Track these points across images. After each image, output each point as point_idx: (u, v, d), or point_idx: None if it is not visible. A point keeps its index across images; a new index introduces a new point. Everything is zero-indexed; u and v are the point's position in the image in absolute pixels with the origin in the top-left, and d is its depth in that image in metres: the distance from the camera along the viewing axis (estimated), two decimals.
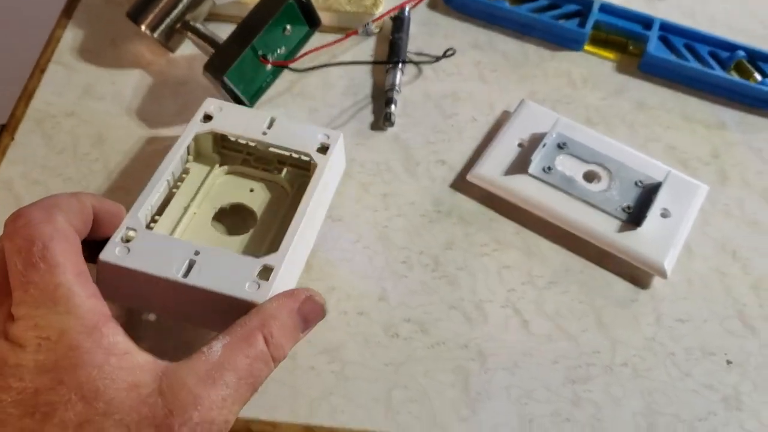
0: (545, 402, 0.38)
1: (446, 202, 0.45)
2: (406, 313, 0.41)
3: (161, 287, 0.34)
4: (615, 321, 0.41)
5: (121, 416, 0.28)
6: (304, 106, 0.49)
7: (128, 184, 0.44)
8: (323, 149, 0.41)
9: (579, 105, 0.51)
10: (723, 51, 0.53)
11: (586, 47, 0.54)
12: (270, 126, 0.41)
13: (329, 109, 0.49)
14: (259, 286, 0.34)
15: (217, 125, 0.41)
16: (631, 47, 0.54)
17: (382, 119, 0.48)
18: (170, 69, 0.50)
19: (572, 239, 0.44)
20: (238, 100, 0.46)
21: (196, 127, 0.41)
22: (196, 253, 0.35)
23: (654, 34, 0.53)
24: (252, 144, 0.42)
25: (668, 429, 0.38)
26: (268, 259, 0.35)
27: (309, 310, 0.34)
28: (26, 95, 0.48)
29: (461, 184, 0.46)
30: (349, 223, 0.44)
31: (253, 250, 0.39)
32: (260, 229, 0.40)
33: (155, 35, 0.48)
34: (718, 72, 0.52)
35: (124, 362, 0.29)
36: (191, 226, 0.40)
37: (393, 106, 0.48)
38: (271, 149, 0.42)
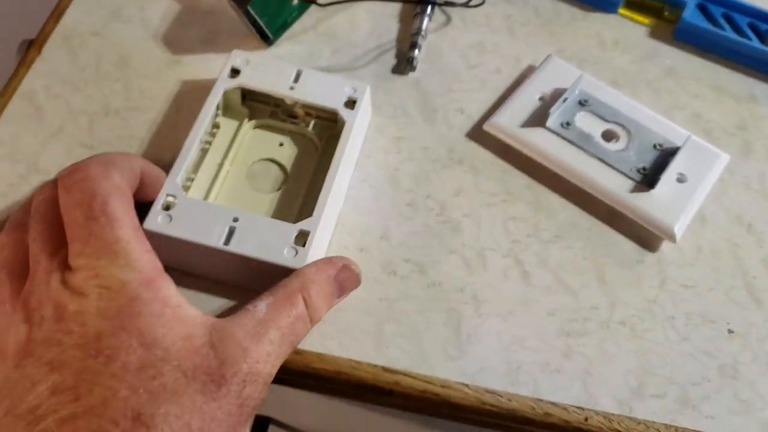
0: (536, 351, 0.38)
1: (460, 150, 0.45)
2: (406, 253, 0.41)
3: (202, 253, 0.36)
4: (618, 280, 0.41)
5: (178, 362, 0.29)
6: (328, 45, 0.49)
7: (145, 105, 0.45)
8: (350, 103, 0.41)
9: (606, 66, 0.50)
10: (763, 23, 0.51)
11: (621, 10, 0.53)
12: (297, 79, 0.42)
13: (352, 50, 0.49)
14: (296, 252, 0.35)
15: (245, 80, 0.42)
16: (666, 13, 0.52)
17: (404, 63, 0.48)
18: None
19: (583, 196, 0.43)
20: (261, 32, 0.46)
21: (224, 83, 0.41)
22: (235, 219, 0.36)
23: (692, 1, 0.51)
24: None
25: (658, 389, 0.37)
26: (304, 225, 0.36)
27: (345, 278, 0.36)
28: (57, 12, 0.48)
29: (477, 134, 0.46)
30: (358, 162, 0.44)
31: (287, 207, 0.40)
32: (291, 186, 0.41)
33: None
34: (756, 44, 0.50)
35: (178, 313, 0.31)
36: (226, 185, 0.41)
37: (416, 51, 0.47)
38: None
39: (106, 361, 0.29)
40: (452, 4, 0.51)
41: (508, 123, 0.45)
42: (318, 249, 0.37)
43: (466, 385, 0.37)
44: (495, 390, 0.37)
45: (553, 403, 0.37)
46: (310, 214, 0.37)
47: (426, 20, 0.49)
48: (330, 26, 0.50)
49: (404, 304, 0.39)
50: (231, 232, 0.36)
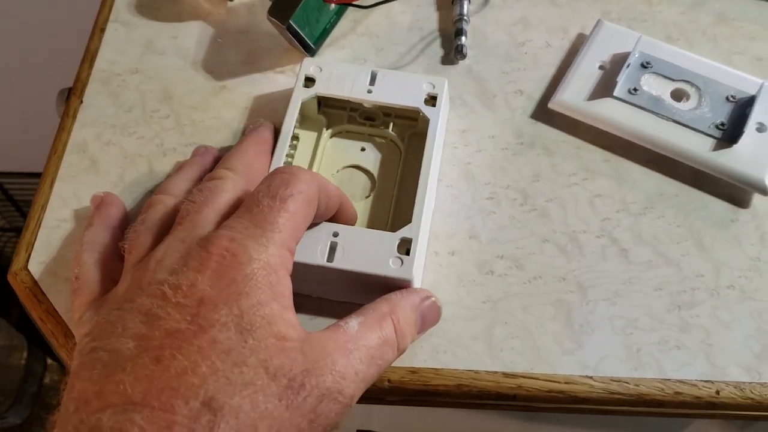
0: (650, 330, 0.37)
1: (528, 133, 0.44)
2: (498, 250, 0.40)
3: (306, 272, 0.35)
4: (716, 243, 0.40)
5: (265, 357, 0.28)
6: (371, 46, 0.47)
7: (204, 138, 0.43)
8: (431, 100, 0.40)
9: (656, 22, 0.48)
10: None
11: None
12: (372, 81, 0.41)
13: (396, 47, 0.47)
14: (402, 262, 0.35)
15: (321, 88, 0.41)
16: None
17: (453, 52, 0.46)
18: (230, 18, 0.48)
19: (664, 162, 0.42)
20: (304, 44, 0.45)
21: (300, 93, 0.40)
22: (335, 234, 0.35)
23: None
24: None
25: None
26: (404, 232, 0.36)
27: (428, 311, 0.35)
28: (89, 56, 0.47)
29: (542, 113, 0.44)
30: None
31: (380, 214, 0.39)
32: (380, 191, 0.40)
33: None
34: None
35: (282, 312, 0.30)
36: None
37: (464, 38, 0.46)
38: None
39: (197, 331, 0.28)
40: None
41: (573, 98, 0.43)
42: (420, 255, 0.36)
43: (591, 378, 0.36)
44: (620, 378, 0.36)
45: (681, 381, 0.36)
46: (403, 219, 0.36)
47: (466, 4, 0.47)
48: (368, 26, 0.48)
49: (508, 303, 0.38)
50: (333, 248, 0.35)
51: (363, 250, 0.35)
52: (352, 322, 0.32)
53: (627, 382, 0.36)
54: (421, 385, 0.36)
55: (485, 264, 0.39)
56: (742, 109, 0.42)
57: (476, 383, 0.36)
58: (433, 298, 0.36)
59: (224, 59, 0.47)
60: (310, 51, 0.46)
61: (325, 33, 0.47)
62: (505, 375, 0.36)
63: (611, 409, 0.36)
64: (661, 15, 0.48)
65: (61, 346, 0.37)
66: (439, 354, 0.36)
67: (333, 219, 0.36)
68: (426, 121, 0.39)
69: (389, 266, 0.35)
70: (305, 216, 0.32)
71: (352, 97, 0.40)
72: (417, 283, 0.36)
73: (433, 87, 0.41)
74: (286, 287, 0.31)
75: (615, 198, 0.41)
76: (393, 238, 0.35)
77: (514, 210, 0.41)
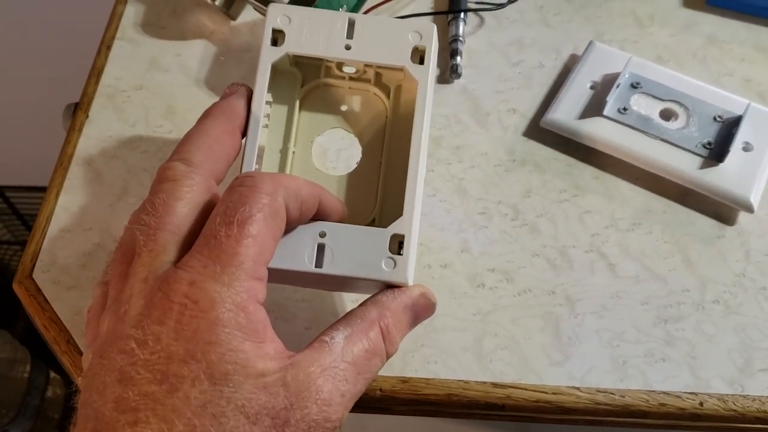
0: (637, 343, 0.38)
1: (520, 150, 0.45)
2: (490, 263, 0.41)
3: (295, 276, 0.34)
4: (702, 258, 0.41)
5: (242, 403, 0.27)
6: None
7: None
8: (419, 58, 0.36)
9: (647, 43, 0.49)
10: None
11: None
12: (351, 34, 0.36)
13: None
14: (395, 263, 0.33)
15: (292, 45, 0.36)
16: None
17: (448, 71, 0.47)
18: (233, 37, 0.50)
19: (653, 179, 0.43)
20: None
21: (269, 54, 0.36)
22: (322, 234, 0.33)
23: None
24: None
25: (766, 363, 0.37)
26: (396, 228, 0.33)
27: (421, 308, 0.34)
28: (95, 72, 0.48)
29: (534, 131, 0.45)
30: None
31: (367, 185, 0.37)
32: (367, 159, 0.37)
33: (216, 3, 0.48)
34: None
35: (257, 350, 0.28)
36: (295, 172, 0.37)
37: (459, 58, 0.47)
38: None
39: (169, 389, 0.27)
40: (485, 9, 0.50)
41: (564, 116, 0.44)
42: (413, 252, 0.34)
43: (578, 389, 0.37)
44: (606, 389, 0.37)
45: (665, 393, 0.37)
46: (394, 193, 0.34)
47: (462, 25, 0.49)
48: None
49: (498, 315, 0.39)
50: (321, 250, 0.33)
51: (353, 250, 0.33)
52: (338, 338, 0.31)
53: (613, 393, 0.37)
54: (411, 394, 0.37)
55: (476, 277, 0.40)
56: (729, 128, 0.43)
57: (466, 393, 0.37)
58: (426, 294, 0.34)
59: (226, 76, 0.48)
60: None
61: None
62: (494, 385, 0.37)
63: (597, 419, 0.37)
64: (653, 37, 0.50)
65: (64, 353, 0.38)
66: (430, 364, 0.37)
67: (317, 217, 0.33)
68: (414, 81, 0.35)
69: (382, 269, 0.33)
70: (272, 233, 0.30)
71: (328, 56, 0.36)
72: (411, 281, 0.34)
73: (421, 38, 0.36)
74: (259, 320, 0.29)
75: (604, 214, 0.42)
76: (384, 235, 0.33)
77: (506, 225, 0.42)
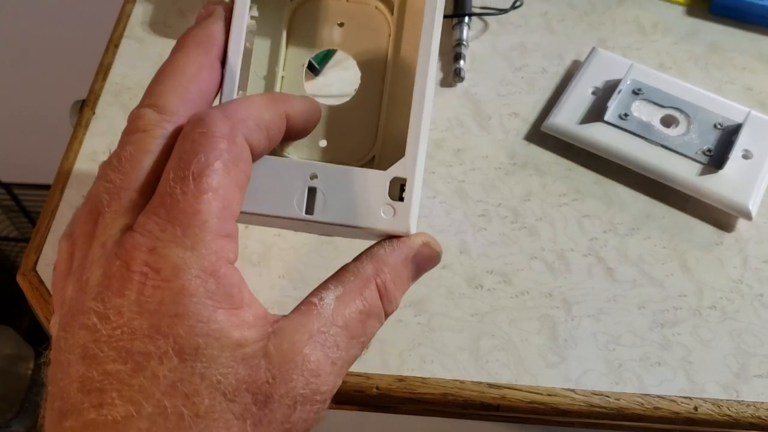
0: (633, 346, 0.38)
1: (521, 154, 0.45)
2: (488, 265, 0.41)
3: (283, 222, 0.30)
4: (700, 264, 0.41)
5: (218, 379, 0.24)
6: None
7: None
8: None
9: (650, 50, 0.50)
10: None
11: None
12: None
13: None
14: (395, 211, 0.29)
15: None
16: None
17: (451, 75, 0.48)
18: None
19: (652, 185, 0.43)
20: (311, 68, 0.47)
21: None
22: (313, 176, 0.29)
23: None
24: None
25: (761, 369, 0.38)
26: (397, 170, 0.29)
27: (424, 258, 0.30)
28: (103, 70, 0.49)
29: (536, 135, 0.46)
30: (424, 180, 0.44)
31: (367, 117, 0.32)
32: (366, 86, 0.32)
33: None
34: None
35: (233, 318, 0.25)
36: None
37: (462, 62, 0.48)
38: None
39: (134, 368, 0.24)
40: (489, 13, 0.51)
41: (565, 121, 0.45)
42: (416, 197, 0.29)
43: (573, 391, 0.37)
44: (601, 391, 0.37)
45: (660, 397, 0.37)
46: (397, 128, 0.30)
47: (465, 29, 0.49)
48: None
49: (495, 317, 0.39)
50: (312, 194, 0.29)
51: (348, 195, 0.29)
52: (328, 298, 0.27)
53: (608, 396, 0.37)
54: (407, 393, 0.37)
55: (475, 278, 0.40)
56: (729, 136, 0.43)
57: (461, 393, 0.37)
58: (430, 243, 0.30)
59: None
60: (314, 71, 0.48)
61: (328, 56, 0.48)
62: (490, 385, 0.37)
63: (592, 422, 0.37)
64: (655, 44, 0.50)
65: None
66: (427, 363, 0.38)
67: (291, 136, 0.29)
68: None
69: (380, 217, 0.29)
70: (236, 180, 0.26)
71: None
72: (413, 231, 0.29)
73: None
74: (232, 284, 0.26)
75: (603, 219, 0.43)
76: (384, 178, 0.29)
77: (505, 227, 0.42)
